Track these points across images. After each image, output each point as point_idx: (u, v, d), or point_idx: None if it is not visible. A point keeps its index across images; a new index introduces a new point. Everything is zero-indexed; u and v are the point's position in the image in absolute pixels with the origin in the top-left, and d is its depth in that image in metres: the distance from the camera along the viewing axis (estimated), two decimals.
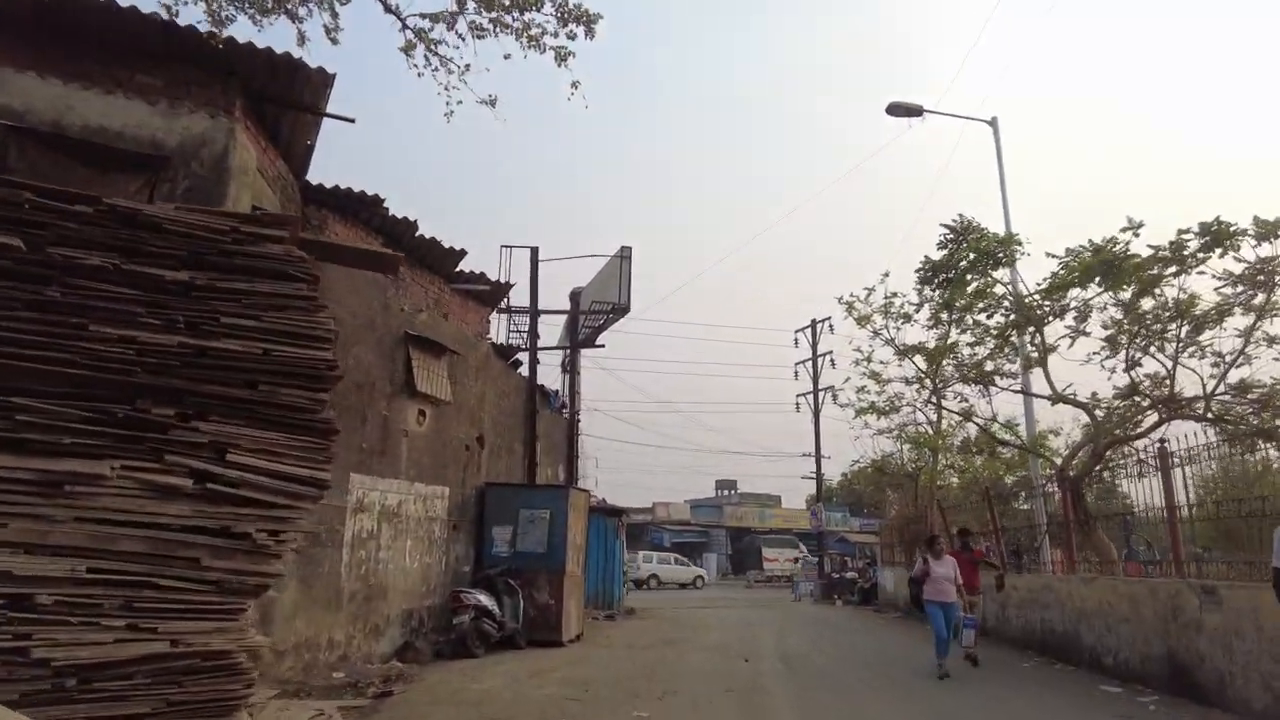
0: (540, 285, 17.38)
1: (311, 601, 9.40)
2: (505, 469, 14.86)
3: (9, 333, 5.03)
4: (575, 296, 19.62)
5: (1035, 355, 12.65)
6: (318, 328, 5.76)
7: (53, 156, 6.89)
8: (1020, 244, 12.50)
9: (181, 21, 7.07)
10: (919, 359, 16.59)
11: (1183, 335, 11.05)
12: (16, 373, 4.99)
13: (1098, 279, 10.94)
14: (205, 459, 5.31)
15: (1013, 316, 12.77)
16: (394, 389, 11.18)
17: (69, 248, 5.35)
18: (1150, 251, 10.40)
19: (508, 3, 6.94)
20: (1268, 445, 9.46)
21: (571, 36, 7.39)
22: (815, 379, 32.32)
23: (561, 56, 7.65)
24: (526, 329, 17.44)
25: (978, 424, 15.13)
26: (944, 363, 16.47)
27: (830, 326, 31.62)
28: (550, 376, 26.49)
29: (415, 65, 7.67)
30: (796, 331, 33.23)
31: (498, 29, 6.86)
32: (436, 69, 7.73)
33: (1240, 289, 10.02)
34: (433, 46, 7.34)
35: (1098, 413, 12.07)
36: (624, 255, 17.38)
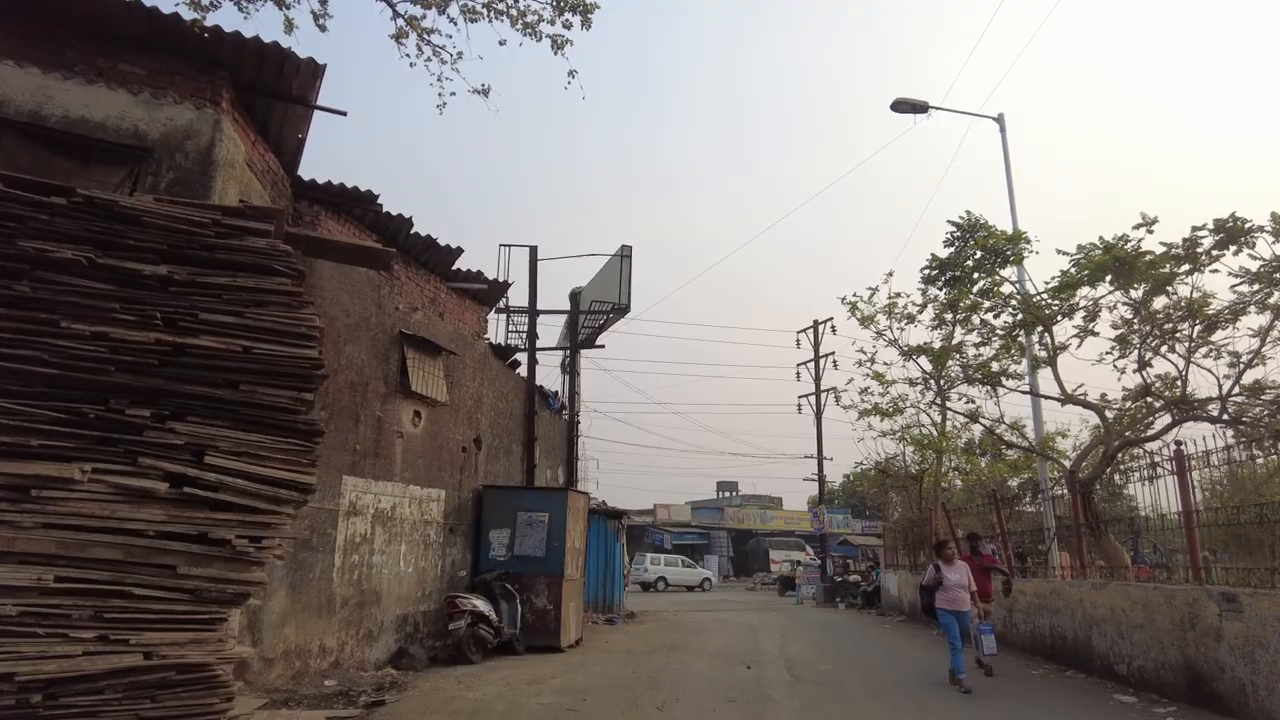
0: (540, 286, 17.17)
1: (302, 607, 9.16)
2: (503, 471, 14.61)
3: None
4: (575, 296, 19.39)
5: (1044, 355, 12.39)
6: (302, 324, 5.51)
7: (31, 148, 6.65)
8: (1028, 241, 12.24)
9: (165, 8, 6.85)
10: (923, 360, 16.35)
11: (1195, 335, 10.80)
12: None
13: (1109, 277, 10.66)
14: (182, 461, 5.06)
15: (1020, 316, 12.50)
16: (388, 389, 10.94)
17: (41, 241, 5.10)
18: (1163, 249, 10.13)
19: None
20: None
21: (568, 25, 7.16)
22: (817, 380, 32.10)
23: (558, 45, 7.42)
24: (525, 329, 17.21)
25: (984, 425, 14.85)
26: (949, 363, 16.24)
27: (832, 328, 31.48)
28: (550, 377, 26.28)
29: (407, 54, 7.45)
30: (798, 333, 33.09)
31: (491, 13, 6.61)
32: (429, 59, 7.51)
33: (1257, 287, 9.75)
34: (425, 35, 7.11)
35: (1109, 414, 11.81)
36: (624, 254, 17.14)
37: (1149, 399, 11.28)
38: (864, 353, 19.66)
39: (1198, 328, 10.80)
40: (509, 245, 16.64)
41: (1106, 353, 11.63)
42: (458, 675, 9.85)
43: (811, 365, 32.42)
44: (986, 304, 12.91)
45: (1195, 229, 9.87)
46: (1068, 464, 13.63)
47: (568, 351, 19.87)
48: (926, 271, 12.85)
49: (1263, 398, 10.36)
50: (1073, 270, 11.07)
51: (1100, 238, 10.83)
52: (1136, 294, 10.89)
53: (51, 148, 6.77)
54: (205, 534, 5.00)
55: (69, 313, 5.01)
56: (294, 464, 5.37)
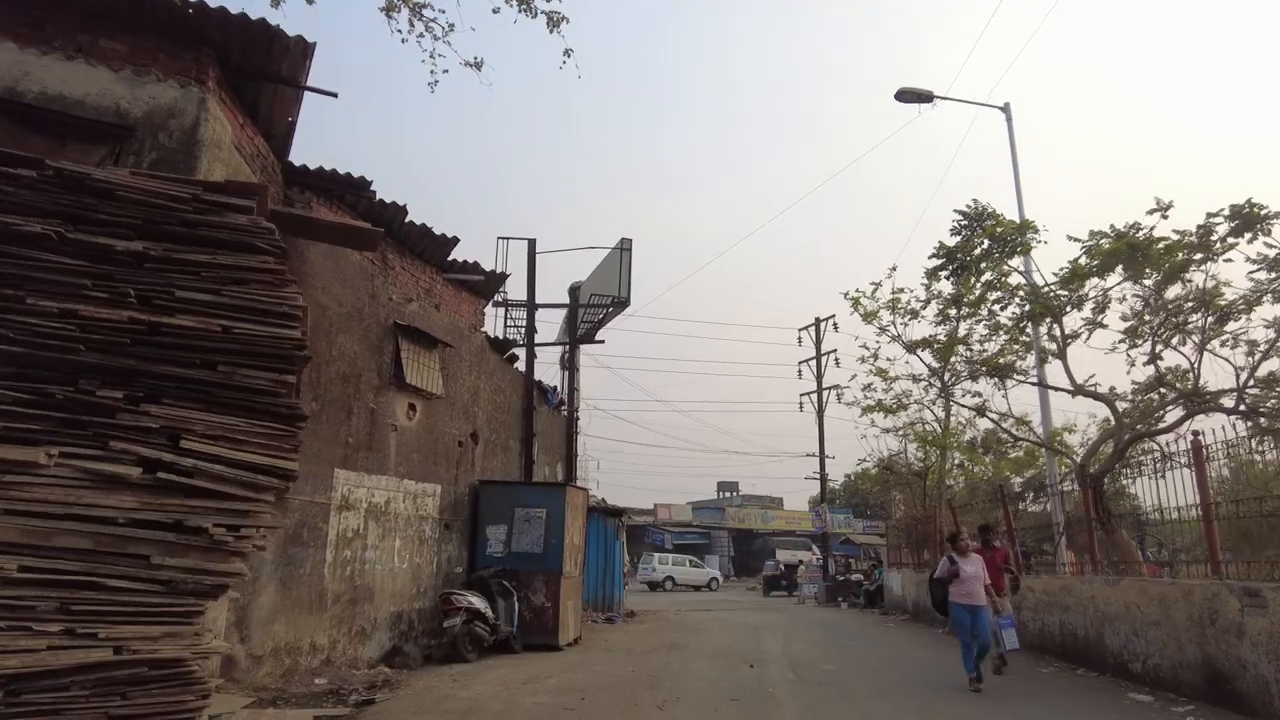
0: (539, 282, 16.92)
1: (292, 604, 8.91)
2: (501, 467, 14.35)
3: None
4: (574, 291, 19.13)
5: (1054, 347, 12.12)
6: (284, 303, 5.25)
7: (5, 124, 6.40)
8: (1036, 231, 11.97)
9: None
10: (926, 354, 16.09)
11: (1208, 326, 10.54)
12: None
13: (1121, 266, 10.39)
14: (156, 446, 4.80)
15: (1028, 307, 12.24)
16: (382, 381, 10.69)
17: (8, 214, 4.85)
18: (1176, 236, 9.86)
19: None
20: None
21: None
22: (819, 378, 31.82)
23: (554, 21, 7.19)
24: (524, 323, 16.96)
25: (991, 419, 14.59)
26: (954, 358, 15.97)
27: (834, 325, 31.19)
28: (549, 373, 26.04)
29: (398, 29, 7.21)
30: (799, 330, 32.79)
31: None
32: (421, 34, 7.28)
33: (1274, 275, 9.48)
34: (416, 8, 6.87)
35: (1121, 405, 11.54)
36: (624, 247, 16.87)
37: (1162, 390, 11.00)
38: (867, 348, 19.46)
39: (1210, 319, 10.54)
40: (507, 238, 16.41)
41: (1120, 341, 11.35)
42: (452, 674, 9.59)
43: (813, 363, 32.16)
44: (994, 296, 12.63)
45: (1210, 215, 9.62)
46: (1076, 459, 13.34)
47: (567, 346, 19.60)
48: (934, 260, 12.56)
49: (1278, 389, 10.09)
50: (1084, 259, 10.79)
51: (1111, 225, 10.56)
52: (1148, 283, 10.61)
53: (27, 124, 6.52)
54: (180, 522, 4.74)
55: (36, 289, 4.75)
56: (275, 449, 5.12)
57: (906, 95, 14.68)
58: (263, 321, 5.21)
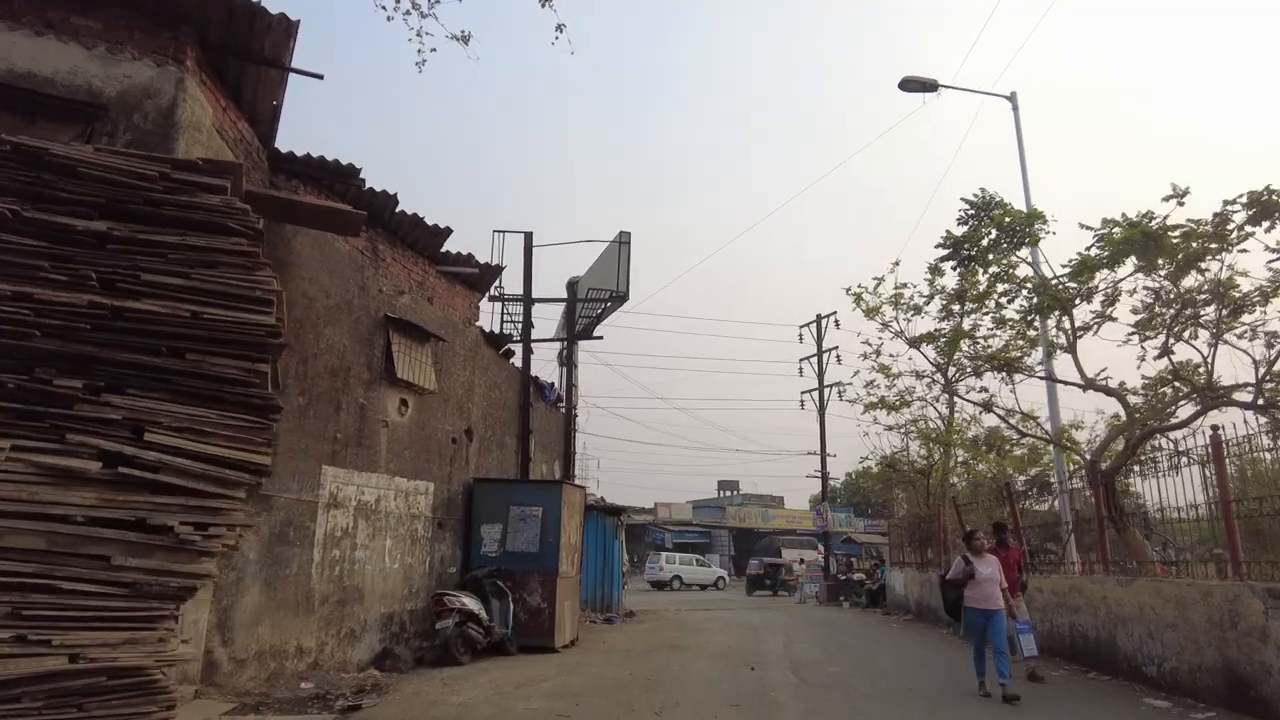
0: (537, 278, 16.61)
1: (277, 605, 8.60)
2: (496, 464, 14.05)
3: None
4: (572, 285, 18.85)
5: (1063, 341, 11.80)
6: (257, 287, 4.94)
7: None
8: (1045, 221, 11.65)
9: None
10: (930, 349, 15.79)
11: (1223, 318, 10.23)
12: None
13: (1134, 255, 10.06)
14: (117, 438, 4.49)
15: (1035, 300, 11.92)
16: (372, 376, 10.38)
17: None
18: (1191, 225, 9.54)
19: None
20: None
21: None
22: (820, 375, 31.52)
23: None
24: (520, 319, 16.65)
25: (998, 414, 14.27)
26: (958, 353, 15.66)
27: (835, 322, 30.90)
28: (547, 371, 25.74)
29: (382, 5, 6.91)
30: (801, 327, 32.50)
31: None
32: (408, 11, 6.97)
33: None
34: None
35: (1132, 400, 11.22)
36: (622, 240, 16.59)
37: (1177, 384, 10.68)
38: (869, 344, 19.15)
39: (1225, 311, 10.23)
40: (503, 231, 16.12)
41: (1132, 333, 11.03)
42: (443, 677, 9.28)
43: (814, 360, 31.86)
44: (1001, 289, 12.31)
45: (1227, 203, 9.29)
46: (1084, 456, 13.03)
47: (565, 343, 19.29)
48: (940, 250, 12.23)
49: None
50: (1096, 248, 10.46)
51: (1123, 214, 10.25)
52: (1161, 274, 10.29)
53: None
54: (144, 520, 4.43)
55: None
56: (246, 442, 4.80)
57: (911, 84, 14.36)
58: (234, 307, 4.90)
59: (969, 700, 8.21)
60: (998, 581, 8.27)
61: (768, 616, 20.22)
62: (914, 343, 15.01)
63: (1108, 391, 11.26)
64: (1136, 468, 10.89)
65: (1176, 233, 9.56)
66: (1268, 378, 9.91)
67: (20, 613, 4.10)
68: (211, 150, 7.67)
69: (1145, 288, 11.24)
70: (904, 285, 16.36)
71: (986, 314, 12.88)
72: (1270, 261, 9.29)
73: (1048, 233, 11.83)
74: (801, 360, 32.39)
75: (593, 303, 17.30)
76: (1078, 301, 11.34)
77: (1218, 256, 9.58)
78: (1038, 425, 14.08)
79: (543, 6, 6.69)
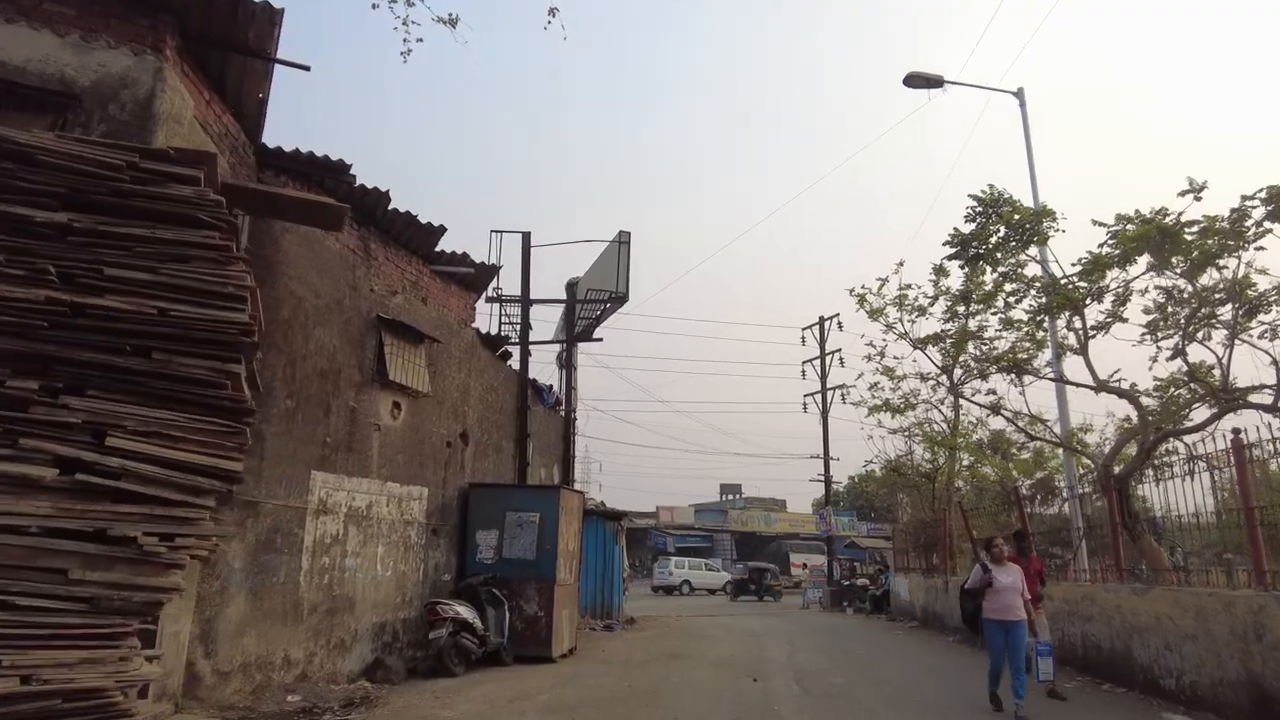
0: (536, 281, 16.33)
1: (264, 615, 8.30)
2: (493, 469, 13.75)
3: None
4: (571, 287, 18.57)
5: (1073, 342, 11.49)
6: (229, 282, 4.66)
7: None
8: (1054, 219, 11.34)
9: None
10: (935, 351, 15.50)
11: (1239, 318, 9.92)
12: None
13: (1149, 252, 9.75)
14: (77, 444, 4.21)
15: (1045, 300, 11.61)
16: (364, 378, 10.09)
17: None
18: (1209, 220, 9.23)
19: None
20: None
21: None
22: (823, 378, 31.24)
23: None
24: (519, 320, 16.37)
25: (1006, 416, 13.95)
26: (965, 354, 15.36)
27: (839, 324, 30.60)
28: (546, 374, 25.42)
29: None
30: (803, 329, 32.23)
31: None
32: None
33: None
34: None
35: (1147, 401, 10.90)
36: (622, 240, 16.32)
37: (1194, 385, 10.36)
38: (873, 346, 18.87)
39: (1241, 310, 9.93)
40: (500, 231, 15.84)
41: (1144, 334, 10.73)
42: (435, 690, 8.98)
43: (817, 363, 31.57)
44: (1009, 288, 12.01)
45: (1245, 198, 8.99)
46: (1094, 459, 12.72)
47: (564, 344, 19.01)
48: (948, 247, 11.92)
49: None
50: (1109, 245, 10.15)
51: (1136, 210, 9.95)
52: (1175, 272, 9.99)
53: None
54: (104, 531, 4.15)
55: None
56: (216, 447, 4.52)
57: (916, 80, 14.08)
58: (205, 303, 4.62)
59: (980, 715, 7.90)
60: (1019, 591, 7.77)
61: (770, 623, 19.90)
62: (920, 343, 14.71)
63: (1120, 394, 10.95)
64: (1149, 472, 10.59)
65: (1194, 228, 9.26)
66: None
67: None
68: (194, 143, 7.37)
69: (1157, 287, 10.96)
70: (908, 286, 16.09)
71: (995, 313, 12.58)
72: None
73: (1057, 231, 11.55)
74: (804, 363, 32.14)
75: (592, 304, 17.01)
76: (1088, 301, 11.03)
77: (1236, 253, 9.27)
78: (1047, 428, 13.76)
79: None
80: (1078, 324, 11.17)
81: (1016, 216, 11.10)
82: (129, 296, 4.45)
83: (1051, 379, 12.38)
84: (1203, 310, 10.14)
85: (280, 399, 8.68)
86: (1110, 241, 10.02)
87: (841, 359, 30.58)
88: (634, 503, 45.51)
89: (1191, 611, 7.89)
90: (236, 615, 7.95)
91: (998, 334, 13.60)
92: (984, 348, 13.57)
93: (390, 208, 10.43)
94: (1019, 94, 14.03)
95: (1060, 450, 19.97)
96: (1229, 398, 10.07)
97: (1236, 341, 9.90)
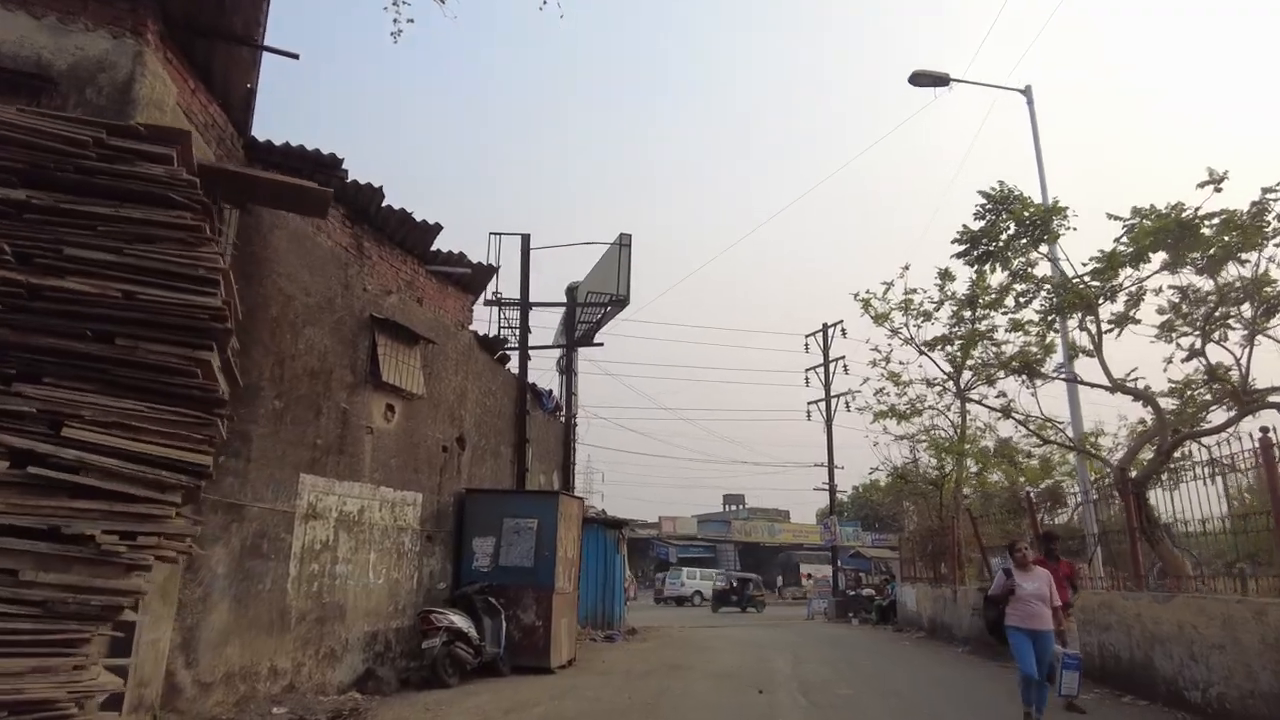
0: (536, 286, 16.06)
1: (249, 624, 7.97)
2: (491, 474, 13.43)
3: None
4: (572, 291, 18.30)
5: (1086, 342, 11.16)
6: (200, 264, 4.37)
7: None
8: (1065, 216, 11.04)
9: None
10: (941, 356, 15.21)
11: (1257, 316, 9.61)
12: None
13: (1167, 247, 9.43)
14: (30, 434, 3.91)
15: (1056, 299, 11.30)
16: (356, 379, 9.80)
17: None
18: (1229, 213, 8.93)
19: None
20: None
21: None
22: (827, 385, 30.92)
23: None
24: (519, 323, 16.09)
25: (1016, 419, 13.61)
26: (970, 359, 15.06)
27: (842, 331, 30.31)
28: (546, 380, 25.12)
29: None
30: (807, 336, 31.93)
31: None
32: None
33: None
34: None
35: (1164, 403, 10.55)
36: (623, 243, 16.04)
37: (1215, 385, 10.02)
38: (878, 351, 18.58)
39: (1260, 309, 9.61)
40: (499, 233, 15.57)
41: (1157, 335, 10.41)
42: (427, 702, 8.64)
43: (821, 370, 31.26)
44: (1019, 288, 11.70)
45: (1266, 190, 8.69)
46: (1109, 463, 12.37)
47: (564, 349, 18.71)
48: (957, 245, 11.61)
49: None
50: (1124, 239, 9.83)
51: (1151, 205, 9.65)
52: (1190, 270, 9.68)
53: None
54: (59, 528, 3.84)
55: None
56: (184, 439, 4.22)
57: (922, 78, 13.83)
58: (173, 286, 4.33)
59: None
60: (1045, 598, 7.13)
61: (775, 634, 19.51)
62: (928, 346, 14.41)
63: (1137, 394, 10.61)
64: (1164, 475, 10.25)
65: (1214, 220, 8.95)
66: None
67: None
68: None
69: (1171, 286, 10.65)
70: (913, 291, 15.83)
71: (1006, 313, 12.26)
72: None
73: (1067, 228, 11.24)
74: (808, 370, 31.83)
75: (592, 306, 16.72)
76: (1102, 300, 10.72)
77: (1256, 248, 8.96)
78: (1059, 431, 13.42)
79: None
80: (1091, 324, 10.84)
81: (1027, 213, 10.81)
82: (91, 278, 4.16)
83: (1066, 379, 12.03)
84: (1221, 309, 9.82)
85: (268, 399, 8.40)
86: (1126, 236, 9.70)
87: (846, 366, 30.30)
88: (636, 513, 45.01)
89: (1218, 620, 7.54)
90: (220, 623, 7.64)
91: (1005, 338, 13.32)
92: (993, 350, 13.26)
93: (384, 204, 10.18)
94: (1026, 91, 13.78)
95: (1070, 456, 19.66)
96: (1249, 399, 9.74)
97: (1255, 341, 9.58)
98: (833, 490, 31.09)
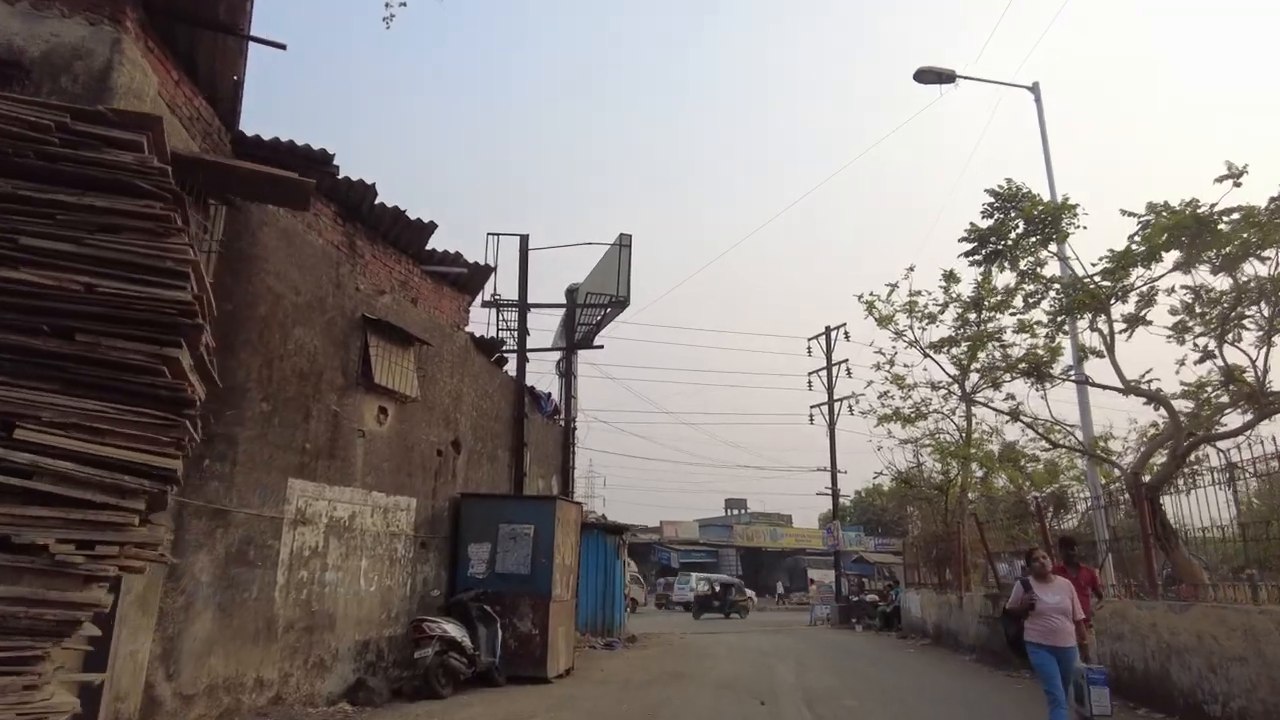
0: (535, 290, 15.83)
1: (233, 633, 7.71)
2: (488, 479, 13.17)
3: None
4: (572, 293, 18.04)
5: (1097, 343, 10.88)
6: (168, 256, 4.11)
7: None
8: (1075, 214, 10.77)
9: None
10: (946, 359, 14.92)
11: (1275, 316, 9.33)
12: None
13: (1184, 244, 9.15)
14: None
15: (1065, 299, 11.02)
16: (348, 381, 9.55)
17: None
18: (1249, 208, 8.65)
19: None
20: None
21: None
22: (830, 389, 30.65)
23: None
24: (516, 326, 15.83)
25: (1025, 422, 13.32)
26: (978, 361, 14.79)
27: (845, 334, 30.05)
28: (545, 382, 24.87)
29: None
30: (809, 339, 31.67)
31: None
32: None
33: None
34: None
35: (1180, 405, 10.26)
36: (623, 244, 15.77)
37: (1234, 387, 9.73)
38: (882, 354, 18.31)
39: (1275, 309, 9.33)
40: (498, 234, 15.32)
41: (1169, 337, 10.12)
42: (419, 713, 8.37)
43: (824, 374, 30.99)
44: (1028, 289, 11.42)
45: None
46: (1121, 468, 12.07)
47: (564, 352, 18.44)
48: (964, 243, 11.33)
49: None
50: (1139, 236, 9.56)
51: (1165, 202, 9.38)
52: (1215, 265, 9.38)
53: None
54: (8, 538, 3.58)
55: None
56: (150, 441, 3.95)
57: (927, 75, 13.58)
58: (139, 279, 4.07)
59: None
60: (1067, 611, 6.57)
61: (778, 641, 19.20)
62: (934, 347, 14.13)
63: (1151, 397, 10.32)
64: (1181, 481, 9.96)
65: (1233, 216, 8.66)
66: None
67: None
68: None
69: (1184, 286, 10.38)
70: (918, 293, 15.57)
71: (1014, 314, 11.99)
72: None
73: (1078, 227, 10.97)
74: (810, 374, 31.56)
75: (592, 308, 16.46)
76: (1114, 300, 10.44)
77: (1276, 245, 8.67)
78: (1069, 434, 13.10)
79: None
80: (1102, 324, 10.56)
81: (1037, 210, 10.53)
82: (49, 270, 3.90)
83: (1077, 381, 11.74)
84: (1237, 309, 9.54)
85: (255, 401, 8.15)
86: (1142, 233, 9.42)
87: (849, 370, 30.03)
88: (638, 518, 44.73)
89: (1240, 631, 7.25)
90: (203, 633, 7.38)
91: (1013, 340, 13.05)
92: (1001, 351, 12.98)
93: (377, 202, 9.93)
94: (1034, 88, 13.51)
95: (1078, 461, 19.35)
96: (1267, 401, 9.45)
97: (1272, 341, 9.29)
98: (835, 495, 30.80)
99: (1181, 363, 10.72)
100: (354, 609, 9.39)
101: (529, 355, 15.97)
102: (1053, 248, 11.06)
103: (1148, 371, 10.45)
